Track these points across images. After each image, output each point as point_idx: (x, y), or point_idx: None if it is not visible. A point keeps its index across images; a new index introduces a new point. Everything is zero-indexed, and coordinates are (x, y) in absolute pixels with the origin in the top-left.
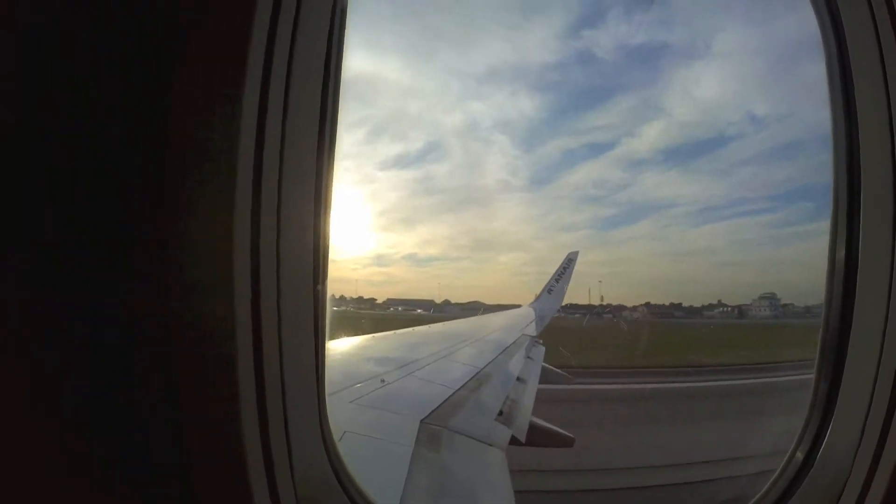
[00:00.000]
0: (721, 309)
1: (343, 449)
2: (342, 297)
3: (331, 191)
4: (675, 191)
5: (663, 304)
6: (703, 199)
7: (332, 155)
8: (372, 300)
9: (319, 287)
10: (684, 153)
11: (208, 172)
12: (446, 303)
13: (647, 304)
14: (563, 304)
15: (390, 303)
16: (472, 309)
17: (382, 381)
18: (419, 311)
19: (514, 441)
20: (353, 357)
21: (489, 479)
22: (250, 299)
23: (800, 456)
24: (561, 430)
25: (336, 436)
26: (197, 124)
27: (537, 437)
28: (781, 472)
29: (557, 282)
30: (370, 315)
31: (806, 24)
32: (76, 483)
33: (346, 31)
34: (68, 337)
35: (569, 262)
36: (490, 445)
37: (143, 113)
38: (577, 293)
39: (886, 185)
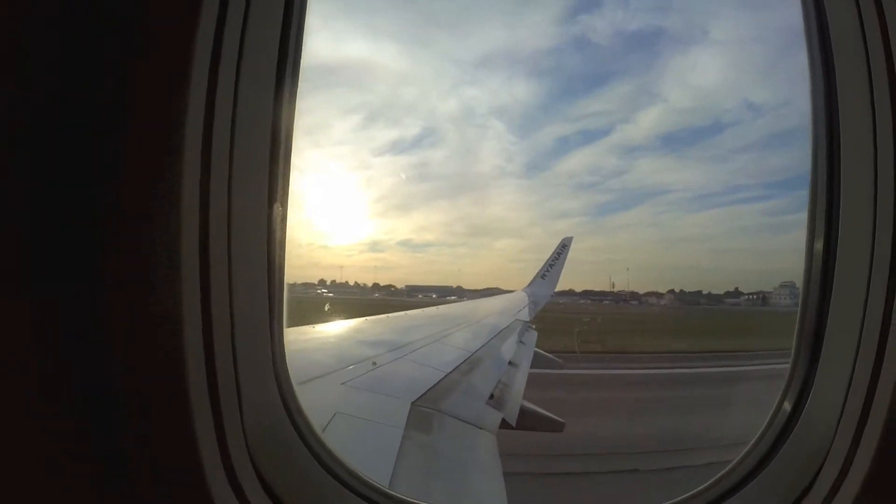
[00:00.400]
0: (746, 297)
1: (334, 430)
2: (356, 284)
3: (289, 137)
4: (671, 177)
5: (686, 291)
6: (698, 185)
7: (291, 122)
8: (389, 287)
9: (276, 210)
10: (680, 140)
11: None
12: (459, 289)
13: (673, 292)
14: (582, 290)
15: (412, 290)
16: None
17: (374, 363)
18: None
19: (504, 425)
20: (346, 340)
21: (479, 461)
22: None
23: (787, 406)
24: (551, 415)
25: (327, 417)
26: (145, 107)
27: (528, 420)
28: (770, 422)
29: (551, 267)
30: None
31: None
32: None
33: (305, 14)
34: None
35: (563, 248)
36: (480, 429)
37: (90, 98)
38: (593, 279)
39: (865, 177)
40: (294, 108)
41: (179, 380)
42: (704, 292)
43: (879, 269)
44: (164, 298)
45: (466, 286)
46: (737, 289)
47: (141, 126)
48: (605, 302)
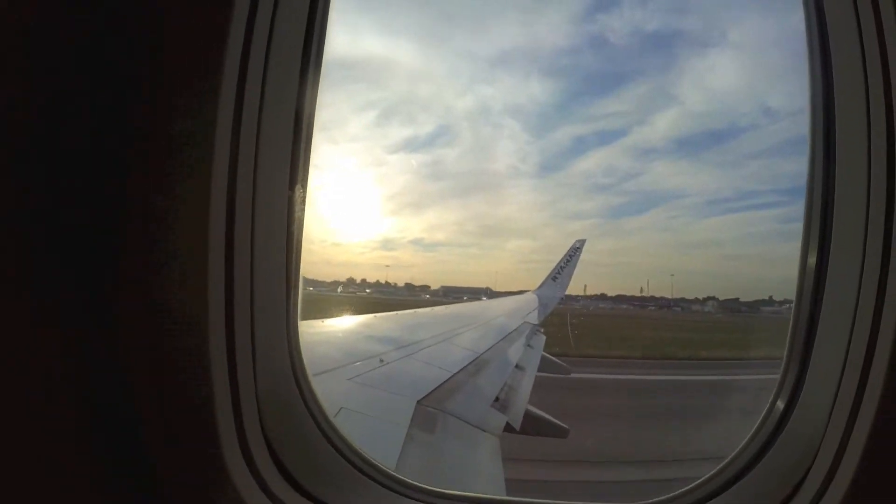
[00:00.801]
0: (787, 305)
1: (338, 425)
2: (387, 284)
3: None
4: (685, 181)
5: (719, 299)
6: (712, 190)
7: (311, 120)
8: (426, 287)
9: (297, 205)
10: (695, 143)
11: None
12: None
13: (714, 299)
14: (615, 294)
15: (448, 291)
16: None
17: (381, 360)
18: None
19: (508, 428)
20: (353, 335)
21: (481, 464)
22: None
23: (778, 407)
24: (556, 420)
25: (331, 412)
26: (172, 112)
27: (532, 425)
28: (762, 422)
29: (563, 270)
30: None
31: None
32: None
33: (328, 18)
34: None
35: (574, 251)
36: (484, 431)
37: (117, 102)
38: (611, 283)
39: (859, 186)
40: (315, 102)
41: (199, 343)
42: (742, 300)
43: (869, 279)
44: (189, 273)
45: (497, 288)
46: (771, 297)
47: (168, 122)
48: (649, 307)
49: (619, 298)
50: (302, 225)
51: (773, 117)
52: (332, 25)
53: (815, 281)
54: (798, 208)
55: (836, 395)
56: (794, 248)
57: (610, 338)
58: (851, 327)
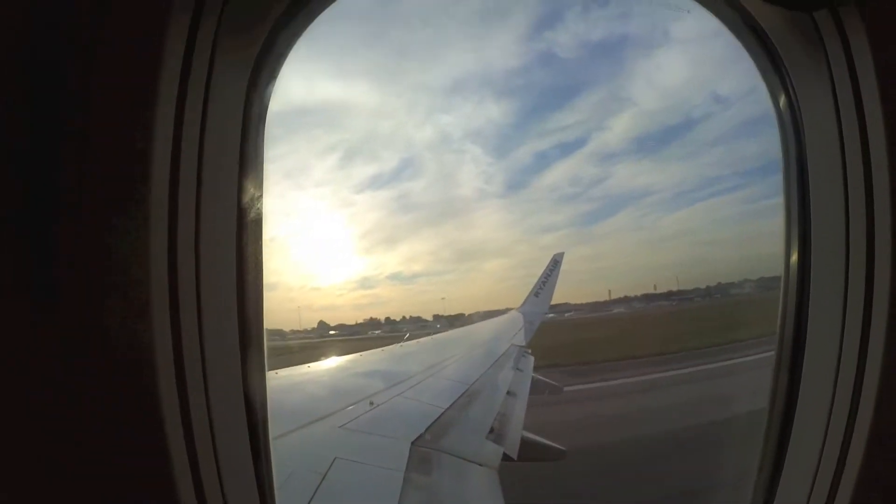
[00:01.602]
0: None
1: (334, 475)
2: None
3: (258, 203)
4: (650, 179)
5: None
6: (677, 183)
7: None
8: (461, 315)
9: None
10: (654, 141)
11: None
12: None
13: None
14: (641, 294)
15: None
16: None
17: (371, 403)
18: None
19: (505, 457)
20: (337, 375)
21: (481, 500)
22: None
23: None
24: (552, 444)
25: (327, 462)
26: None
27: (529, 452)
28: None
29: (544, 285)
30: None
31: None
32: None
33: (277, 69)
34: None
35: (555, 265)
36: (481, 465)
37: (56, 117)
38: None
39: (836, 197)
40: (263, 144)
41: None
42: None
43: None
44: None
45: (479, 308)
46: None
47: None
48: (695, 300)
49: (650, 297)
50: (261, 265)
51: (725, 103)
52: (285, 77)
53: (795, 338)
54: (761, 187)
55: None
56: (765, 224)
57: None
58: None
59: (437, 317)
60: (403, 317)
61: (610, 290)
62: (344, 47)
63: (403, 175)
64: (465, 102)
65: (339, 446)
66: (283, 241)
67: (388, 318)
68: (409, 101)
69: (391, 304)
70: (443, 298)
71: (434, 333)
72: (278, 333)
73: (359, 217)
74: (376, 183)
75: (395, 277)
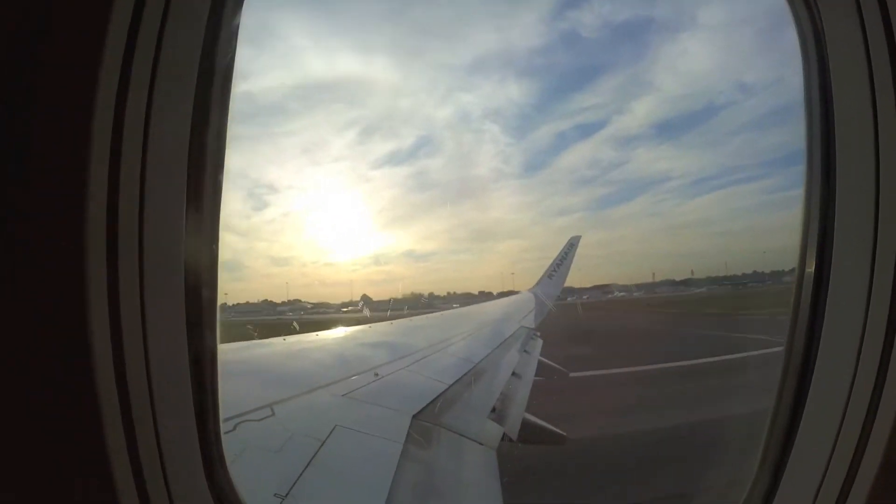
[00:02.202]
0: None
1: (332, 444)
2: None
3: (216, 181)
4: (669, 165)
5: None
6: (696, 171)
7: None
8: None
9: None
10: (675, 127)
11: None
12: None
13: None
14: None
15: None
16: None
17: (376, 374)
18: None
19: (505, 438)
20: (344, 347)
21: (478, 479)
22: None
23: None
24: (553, 428)
25: (327, 430)
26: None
27: (530, 434)
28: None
29: (559, 267)
30: None
31: None
32: None
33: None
34: None
35: (570, 247)
36: (481, 444)
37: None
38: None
39: (867, 191)
40: (226, 115)
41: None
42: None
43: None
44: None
45: (491, 290)
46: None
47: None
48: (749, 285)
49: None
50: (216, 243)
51: (749, 92)
52: (308, 50)
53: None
54: (781, 178)
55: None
56: (785, 216)
57: None
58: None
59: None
60: (449, 292)
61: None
62: (366, 23)
63: (421, 153)
64: (486, 81)
65: (340, 414)
66: (297, 217)
67: (430, 293)
68: (430, 78)
69: (403, 281)
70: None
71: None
72: (328, 306)
73: (376, 193)
74: (394, 159)
75: (409, 255)
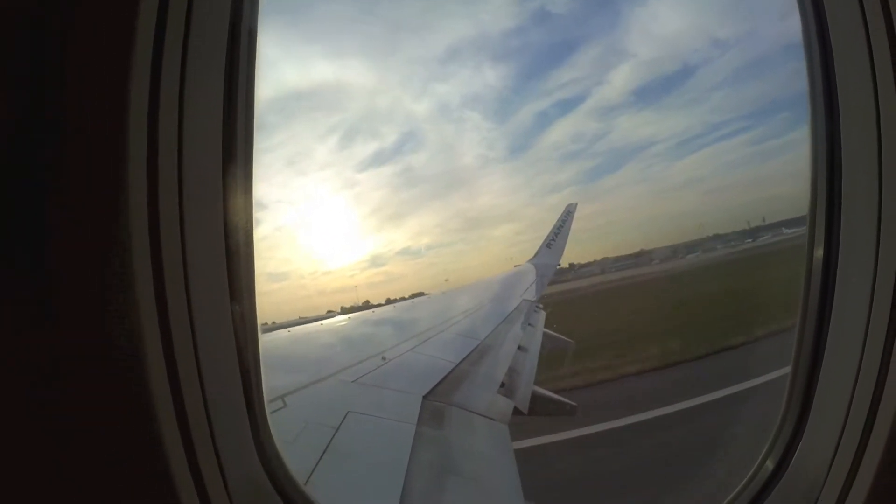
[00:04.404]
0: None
1: (346, 431)
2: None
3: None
4: (653, 129)
5: None
6: (681, 131)
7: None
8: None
9: (240, 276)
10: (654, 91)
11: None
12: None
13: None
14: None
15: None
16: None
17: (384, 358)
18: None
19: (516, 412)
20: (350, 332)
21: (492, 454)
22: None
23: (770, 465)
24: (563, 399)
25: (339, 417)
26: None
27: (540, 406)
28: (748, 481)
29: (557, 235)
30: None
31: None
32: None
33: (257, 23)
34: None
35: (567, 215)
36: (492, 419)
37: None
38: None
39: (870, 183)
40: (252, 122)
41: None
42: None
43: (877, 324)
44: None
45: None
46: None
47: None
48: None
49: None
50: (251, 244)
51: (723, 47)
52: (281, 60)
53: (818, 324)
54: (766, 128)
55: (836, 450)
56: (775, 164)
57: None
58: (856, 379)
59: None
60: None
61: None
62: (337, 28)
63: (405, 149)
64: (463, 69)
65: (351, 401)
66: (290, 230)
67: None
68: (406, 73)
69: (402, 280)
70: (446, 280)
71: None
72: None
73: (364, 196)
74: (379, 160)
75: (405, 252)
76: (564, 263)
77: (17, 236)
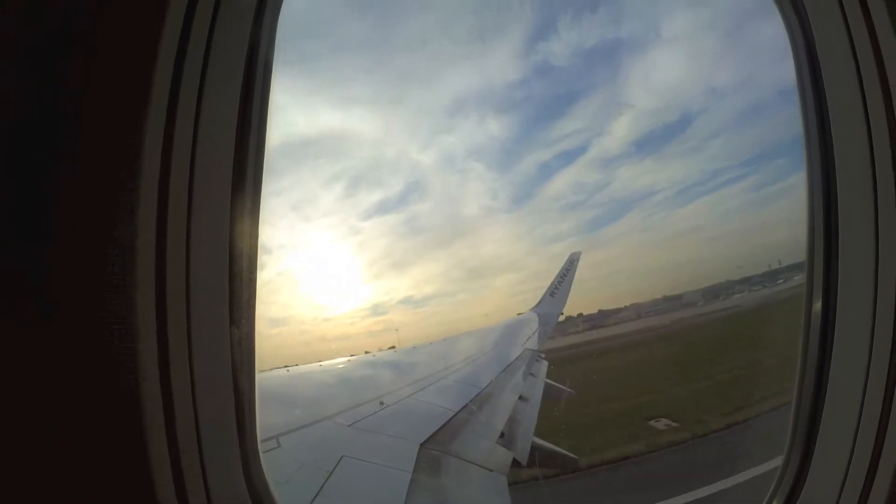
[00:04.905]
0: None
1: (340, 475)
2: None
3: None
4: (653, 179)
5: None
6: (681, 179)
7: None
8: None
9: (244, 299)
10: (654, 140)
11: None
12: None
13: None
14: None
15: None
16: None
17: (382, 403)
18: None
19: (515, 463)
20: (348, 375)
21: None
22: (155, 327)
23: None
24: (564, 451)
25: (333, 461)
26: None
27: (539, 458)
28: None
29: (560, 284)
30: None
31: None
32: None
33: (274, 36)
34: None
35: (571, 264)
36: (490, 471)
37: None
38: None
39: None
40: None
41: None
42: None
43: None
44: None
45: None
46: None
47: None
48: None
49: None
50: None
51: (720, 95)
52: (290, 105)
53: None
54: (762, 176)
55: (842, 487)
56: (772, 210)
57: None
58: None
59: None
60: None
61: None
62: (346, 77)
63: (410, 198)
64: (467, 121)
65: (347, 445)
66: (292, 275)
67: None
68: (412, 124)
69: (402, 329)
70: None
71: None
72: None
73: (368, 244)
74: (383, 208)
75: (406, 301)
76: (573, 312)
77: (31, 291)
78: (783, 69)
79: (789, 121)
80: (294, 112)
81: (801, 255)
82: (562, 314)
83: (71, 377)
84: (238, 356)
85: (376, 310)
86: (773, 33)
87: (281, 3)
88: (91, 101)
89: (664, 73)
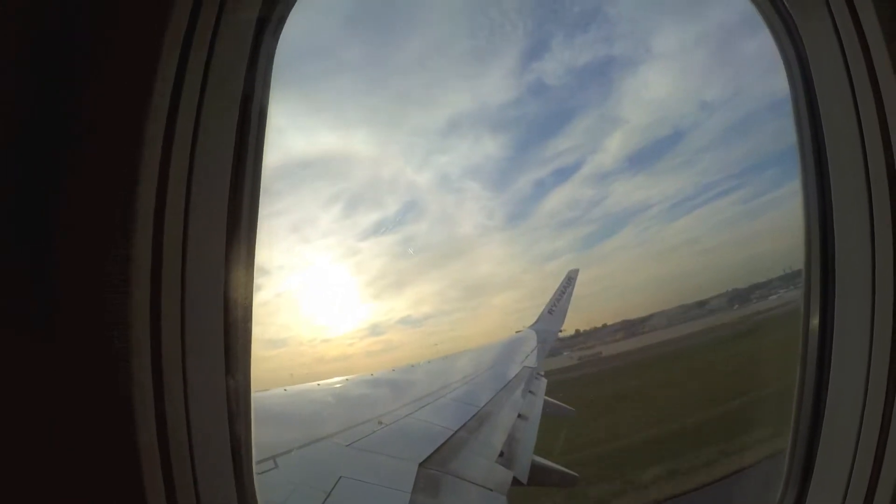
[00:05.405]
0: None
1: (338, 496)
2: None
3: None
4: (646, 193)
5: None
6: (673, 193)
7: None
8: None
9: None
10: (647, 155)
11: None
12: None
13: None
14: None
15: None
16: None
17: (380, 422)
18: None
19: (515, 482)
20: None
21: None
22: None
23: None
24: (564, 469)
25: (331, 482)
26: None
27: (540, 476)
28: None
29: (558, 302)
30: None
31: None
32: None
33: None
34: None
35: (569, 281)
36: (490, 490)
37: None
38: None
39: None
40: (259, 181)
41: None
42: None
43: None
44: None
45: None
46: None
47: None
48: None
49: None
50: (251, 287)
51: (710, 109)
52: (287, 129)
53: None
54: (753, 187)
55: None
56: (762, 221)
57: None
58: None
59: None
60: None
61: None
62: (342, 99)
63: (406, 218)
64: (463, 141)
65: (345, 465)
66: (290, 296)
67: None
68: (409, 144)
69: (401, 349)
70: (435, 344)
71: None
72: None
73: (365, 264)
74: (380, 228)
75: (405, 321)
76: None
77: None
78: (772, 82)
79: (777, 133)
80: (291, 133)
81: (790, 266)
82: (561, 331)
83: (68, 383)
84: (232, 382)
85: (375, 329)
86: (758, 47)
87: (281, 29)
88: (91, 101)
89: (655, 88)
